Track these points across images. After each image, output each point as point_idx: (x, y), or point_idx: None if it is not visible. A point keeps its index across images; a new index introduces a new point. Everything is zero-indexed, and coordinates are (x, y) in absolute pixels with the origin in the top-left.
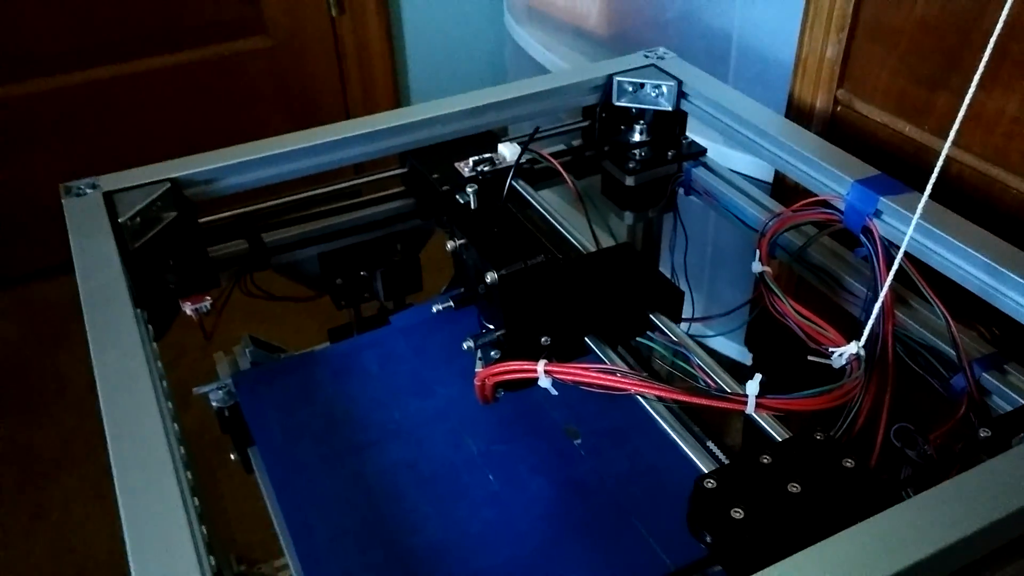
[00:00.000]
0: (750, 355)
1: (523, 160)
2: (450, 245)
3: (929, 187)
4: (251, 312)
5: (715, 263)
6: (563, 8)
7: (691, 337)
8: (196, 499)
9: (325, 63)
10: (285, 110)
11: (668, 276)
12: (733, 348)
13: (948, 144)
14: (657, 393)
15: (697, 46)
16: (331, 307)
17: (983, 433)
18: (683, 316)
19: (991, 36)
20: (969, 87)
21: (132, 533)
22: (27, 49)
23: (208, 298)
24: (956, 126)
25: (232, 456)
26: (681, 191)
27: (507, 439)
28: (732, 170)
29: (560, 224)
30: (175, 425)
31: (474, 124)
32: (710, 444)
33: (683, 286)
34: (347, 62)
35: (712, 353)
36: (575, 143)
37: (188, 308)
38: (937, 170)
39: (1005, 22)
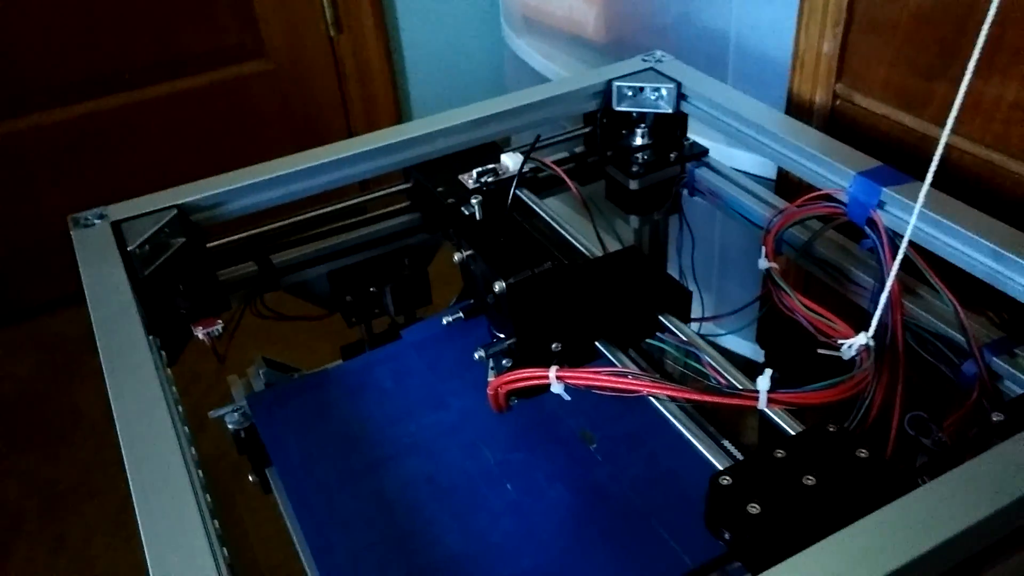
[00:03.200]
0: (762, 352)
1: (526, 169)
2: (457, 257)
3: (930, 175)
4: (263, 333)
5: (723, 262)
6: (560, 17)
7: (702, 336)
8: (216, 522)
9: (326, 83)
10: (289, 131)
11: (676, 277)
12: (746, 346)
13: (946, 132)
14: (668, 393)
15: (696, 48)
16: (343, 325)
17: (996, 417)
18: (693, 316)
19: (984, 24)
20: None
21: (153, 557)
22: (30, 83)
23: (219, 321)
24: (953, 114)
25: (250, 477)
26: (685, 192)
27: (523, 448)
28: (735, 168)
29: (566, 231)
30: (192, 450)
31: (476, 136)
32: (725, 443)
33: (692, 286)
34: (348, 81)
35: (723, 352)
36: (578, 150)
37: (200, 332)
38: (937, 158)
39: (998, 9)
